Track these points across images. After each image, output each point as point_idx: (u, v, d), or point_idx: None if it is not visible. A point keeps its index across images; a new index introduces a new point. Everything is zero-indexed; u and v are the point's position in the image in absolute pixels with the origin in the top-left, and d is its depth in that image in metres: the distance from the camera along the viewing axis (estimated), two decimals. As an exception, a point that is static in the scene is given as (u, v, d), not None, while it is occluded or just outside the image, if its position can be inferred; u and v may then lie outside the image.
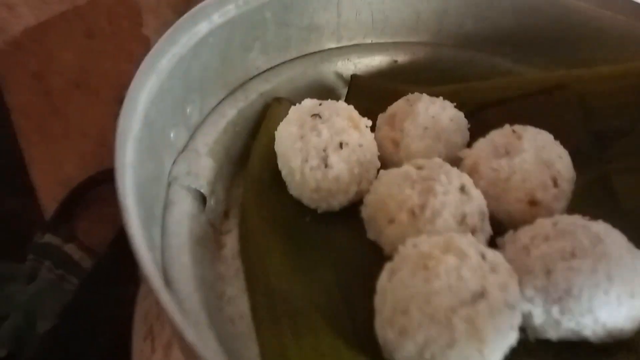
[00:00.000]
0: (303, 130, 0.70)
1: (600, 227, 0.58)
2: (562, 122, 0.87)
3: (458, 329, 0.50)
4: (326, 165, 0.69)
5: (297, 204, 0.74)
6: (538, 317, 0.58)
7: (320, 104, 0.73)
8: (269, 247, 0.68)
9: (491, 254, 0.55)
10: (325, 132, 0.69)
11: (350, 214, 0.73)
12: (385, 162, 0.77)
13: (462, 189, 0.64)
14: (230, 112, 0.79)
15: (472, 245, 0.55)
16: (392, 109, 0.81)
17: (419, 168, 0.67)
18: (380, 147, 0.80)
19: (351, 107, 0.74)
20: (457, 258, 0.53)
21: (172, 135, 0.69)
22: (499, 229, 0.67)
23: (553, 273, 0.56)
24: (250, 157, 0.78)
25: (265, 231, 0.70)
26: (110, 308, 0.73)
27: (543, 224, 0.61)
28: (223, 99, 0.80)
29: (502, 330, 0.52)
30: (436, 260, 0.53)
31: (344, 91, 0.94)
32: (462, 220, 0.62)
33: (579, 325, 0.56)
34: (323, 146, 0.69)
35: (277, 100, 0.85)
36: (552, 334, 0.59)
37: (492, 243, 0.66)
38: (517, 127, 0.73)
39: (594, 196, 0.80)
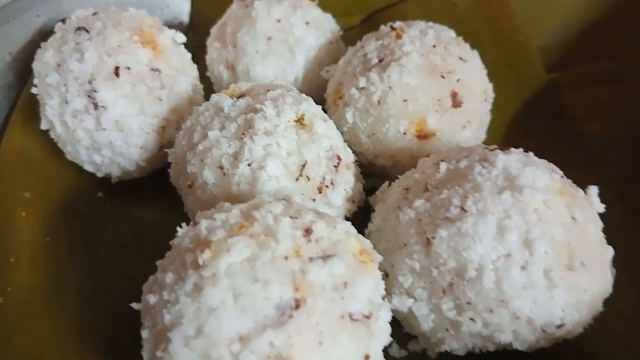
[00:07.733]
0: (61, 56, 0.44)
1: (513, 159, 0.35)
2: (490, 22, 0.63)
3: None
4: (96, 106, 0.43)
5: (80, 173, 0.49)
6: (425, 320, 0.35)
7: (94, 13, 0.47)
8: (17, 248, 0.43)
9: (324, 229, 0.31)
10: (91, 52, 0.43)
11: (159, 182, 0.49)
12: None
13: (300, 123, 0.40)
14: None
15: (286, 217, 0.31)
16: (223, 17, 0.55)
17: (238, 97, 0.42)
18: (212, 74, 0.55)
19: (143, 14, 0.48)
20: (255, 243, 0.29)
21: None
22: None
23: (434, 244, 0.33)
24: (14, 111, 0.52)
25: (19, 221, 0.45)
26: None
27: (424, 165, 0.38)
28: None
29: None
30: (214, 250, 0.29)
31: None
32: (300, 173, 0.38)
33: (488, 327, 0.34)
34: (88, 76, 0.43)
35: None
36: (455, 345, 0.36)
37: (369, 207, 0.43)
38: (400, 23, 0.49)
39: (537, 118, 0.56)
